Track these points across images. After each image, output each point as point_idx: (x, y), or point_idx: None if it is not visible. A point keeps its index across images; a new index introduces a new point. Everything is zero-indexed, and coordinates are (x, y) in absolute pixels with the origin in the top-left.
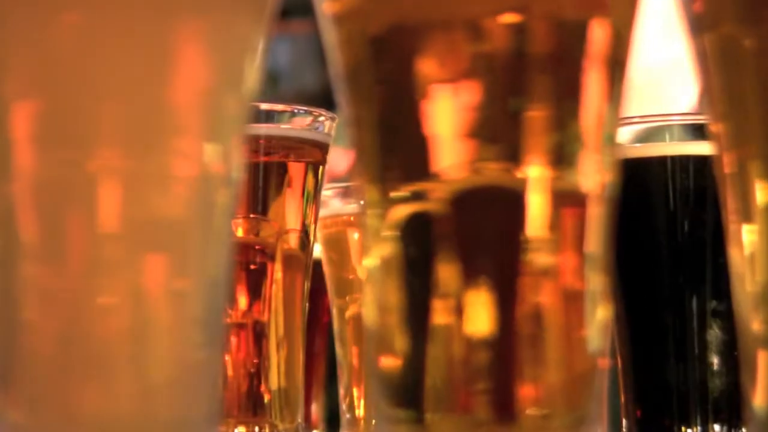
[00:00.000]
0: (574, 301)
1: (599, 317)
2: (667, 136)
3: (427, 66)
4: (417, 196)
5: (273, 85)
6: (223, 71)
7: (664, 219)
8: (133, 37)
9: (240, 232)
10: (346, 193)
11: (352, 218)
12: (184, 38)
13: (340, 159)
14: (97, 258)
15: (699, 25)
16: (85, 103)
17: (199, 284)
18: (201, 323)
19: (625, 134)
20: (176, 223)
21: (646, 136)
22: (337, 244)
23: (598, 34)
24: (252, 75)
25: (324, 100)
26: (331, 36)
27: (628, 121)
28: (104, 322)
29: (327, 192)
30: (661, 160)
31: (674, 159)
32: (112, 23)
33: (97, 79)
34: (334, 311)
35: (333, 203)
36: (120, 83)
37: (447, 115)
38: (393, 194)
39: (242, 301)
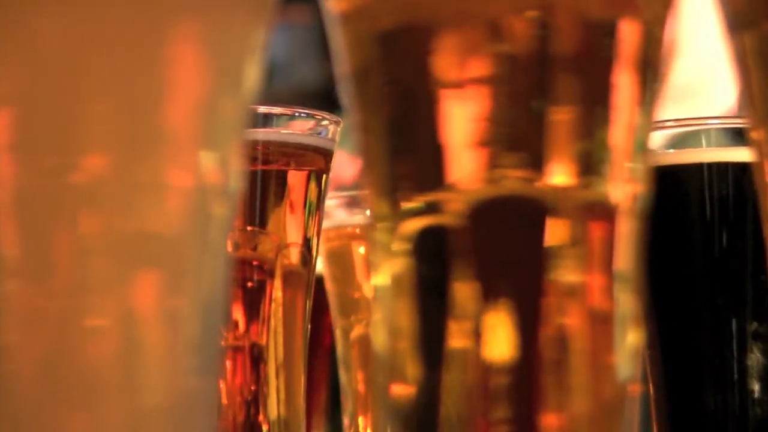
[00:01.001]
0: (602, 324)
1: (630, 341)
2: (704, 141)
3: (442, 67)
4: (431, 208)
5: (266, 80)
6: (219, 73)
7: (700, 232)
8: (122, 38)
9: (236, 247)
10: (351, 203)
11: (358, 231)
12: (177, 39)
13: (345, 165)
14: (82, 276)
15: (738, 22)
16: (70, 109)
17: (194, 304)
18: (196, 347)
19: (658, 139)
20: (169, 238)
21: (681, 142)
22: (341, 260)
23: (628, 32)
24: (251, 77)
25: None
26: (337, 35)
27: (661, 125)
28: (91, 345)
29: (330, 202)
30: (697, 168)
31: (711, 166)
32: (98, 23)
33: (82, 82)
34: (338, 333)
35: (337, 214)
36: (107, 87)
37: (464, 119)
38: (404, 206)
39: (238, 322)
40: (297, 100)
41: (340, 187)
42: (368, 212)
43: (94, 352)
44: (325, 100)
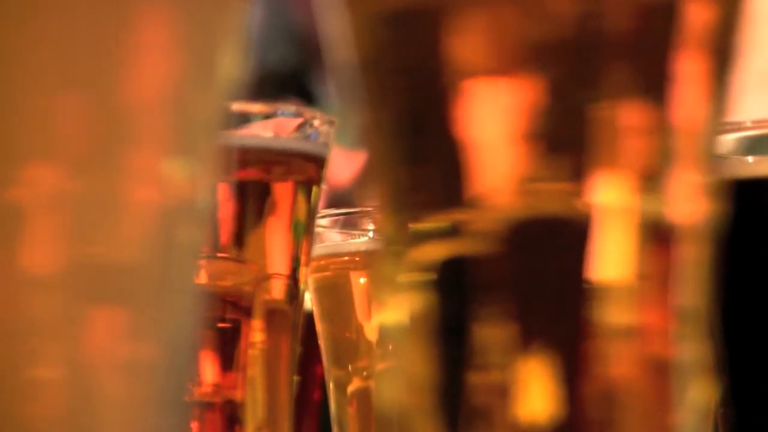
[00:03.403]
0: (661, 376)
1: (696, 397)
2: None
3: (467, 54)
4: (452, 229)
5: None
6: (186, 63)
7: None
8: (67, 22)
9: (205, 278)
10: (348, 223)
11: (357, 258)
12: (134, 21)
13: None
14: (22, 316)
15: None
16: (2, 109)
17: (156, 350)
18: (158, 403)
19: (733, 145)
20: (126, 268)
21: (763, 147)
22: (336, 294)
23: (695, 12)
24: (226, 67)
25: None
26: (340, 18)
27: (737, 126)
28: (33, 401)
29: (323, 221)
30: None
31: None
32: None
33: (18, 76)
34: (331, 386)
35: (330, 237)
36: (49, 82)
37: (491, 119)
38: (420, 226)
39: (208, 372)
40: (259, 86)
41: (334, 193)
42: (372, 233)
43: (37, 409)
44: (292, 86)
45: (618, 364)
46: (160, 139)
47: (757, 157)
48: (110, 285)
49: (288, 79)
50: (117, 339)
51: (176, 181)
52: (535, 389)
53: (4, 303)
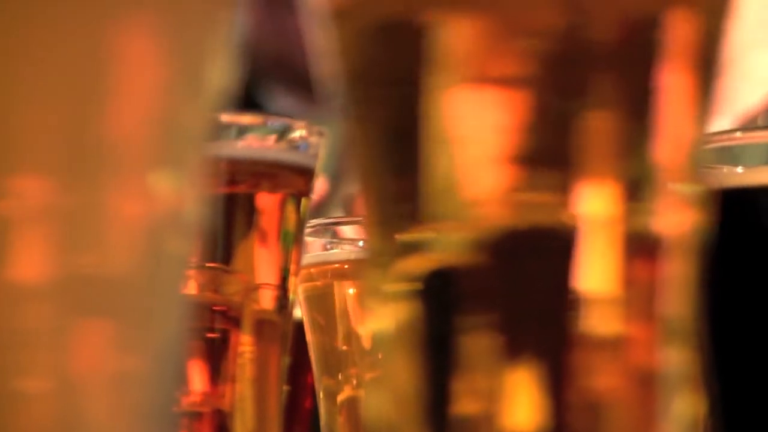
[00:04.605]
0: (647, 387)
1: (683, 408)
2: None
3: (456, 66)
4: (437, 240)
5: None
6: (174, 73)
7: None
8: (53, 32)
9: (194, 288)
10: (336, 232)
11: (345, 266)
12: (120, 31)
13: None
14: (10, 325)
15: None
16: None
17: (145, 362)
18: (146, 415)
19: (722, 155)
20: (113, 280)
21: (751, 157)
22: (325, 303)
23: (681, 23)
24: (215, 77)
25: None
26: (328, 32)
27: (726, 136)
28: (19, 415)
29: (311, 230)
30: None
31: None
32: (23, 15)
33: (4, 87)
34: (321, 395)
35: (319, 246)
36: (35, 93)
37: (476, 131)
38: (406, 237)
39: (197, 382)
40: None
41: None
42: (361, 243)
43: (24, 420)
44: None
45: (604, 375)
46: (147, 151)
47: (744, 168)
48: (98, 296)
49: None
50: (105, 350)
51: (164, 193)
52: (521, 400)
53: None
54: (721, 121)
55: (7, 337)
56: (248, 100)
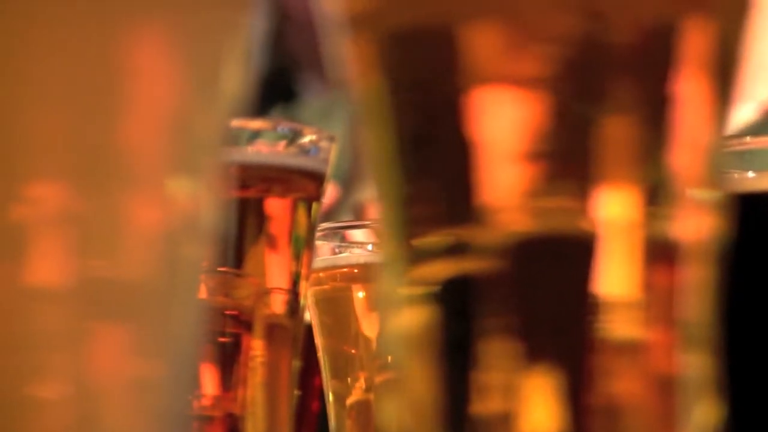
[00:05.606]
0: (666, 393)
1: (700, 414)
2: None
3: (469, 72)
4: (455, 245)
5: None
6: (190, 82)
7: None
8: (70, 41)
9: (205, 292)
10: (345, 236)
11: (355, 270)
12: (136, 40)
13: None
14: (26, 333)
15: None
16: (9, 128)
17: (160, 365)
18: (162, 419)
19: (737, 160)
20: (130, 285)
21: (761, 162)
22: (335, 307)
23: (700, 29)
24: (230, 85)
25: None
26: (345, 38)
27: (740, 143)
28: (36, 420)
29: (320, 233)
30: None
31: None
32: (42, 24)
33: (23, 96)
34: (331, 398)
35: (328, 250)
36: (54, 101)
37: (495, 136)
38: (421, 241)
39: (209, 386)
40: None
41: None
42: (370, 247)
43: (41, 424)
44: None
45: (623, 380)
46: (164, 157)
47: (757, 172)
48: (115, 301)
49: (271, 80)
50: (122, 354)
51: (180, 199)
52: (540, 405)
53: (11, 318)
54: (745, 108)
55: (24, 341)
56: (285, 88)
